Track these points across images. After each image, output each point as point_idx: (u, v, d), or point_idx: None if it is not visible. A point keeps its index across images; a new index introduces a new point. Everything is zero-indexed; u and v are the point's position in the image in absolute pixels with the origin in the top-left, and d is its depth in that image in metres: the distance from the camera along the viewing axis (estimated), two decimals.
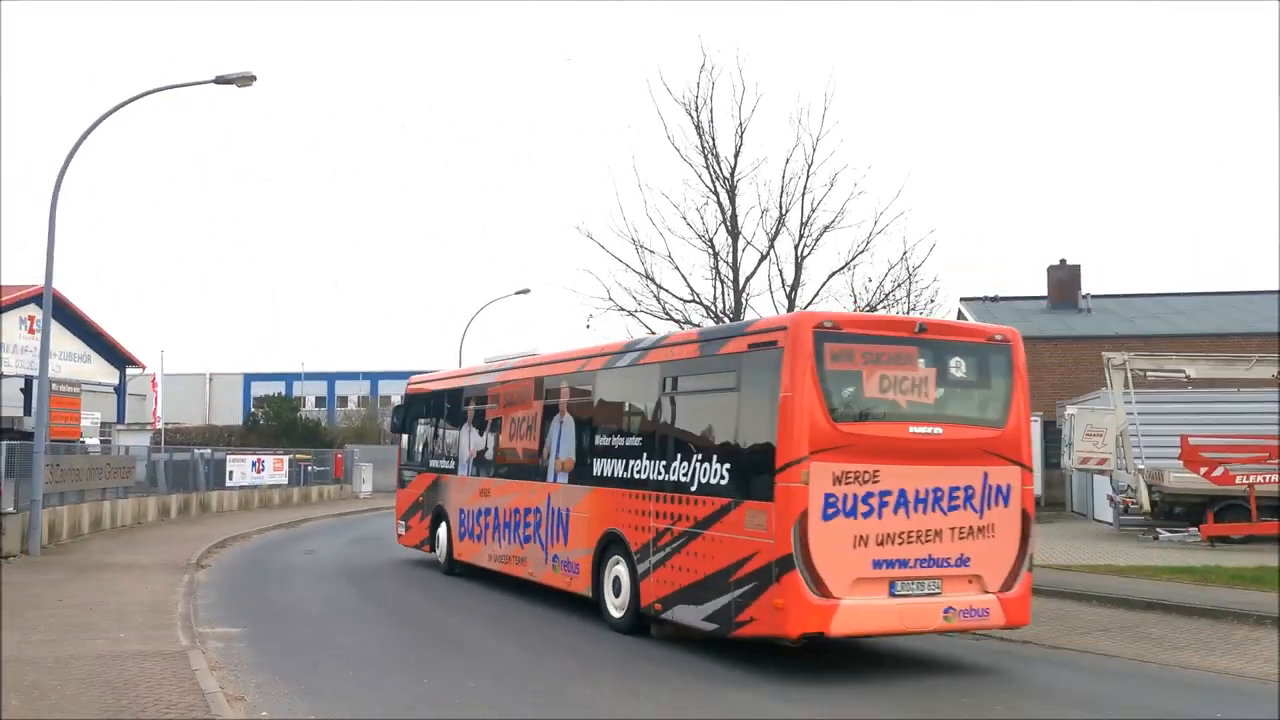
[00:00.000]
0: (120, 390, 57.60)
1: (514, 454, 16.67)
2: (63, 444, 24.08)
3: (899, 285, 22.96)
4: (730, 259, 22.40)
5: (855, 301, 24.04)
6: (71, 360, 52.46)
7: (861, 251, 22.16)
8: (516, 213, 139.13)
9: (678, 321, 22.51)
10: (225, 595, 16.23)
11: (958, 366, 11.40)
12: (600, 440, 14.12)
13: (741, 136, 22.12)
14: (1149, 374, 25.90)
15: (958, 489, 10.94)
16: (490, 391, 17.80)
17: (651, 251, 22.28)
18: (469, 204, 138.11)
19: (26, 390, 53.89)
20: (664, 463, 12.50)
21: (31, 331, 50.44)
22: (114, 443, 40.24)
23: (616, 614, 13.19)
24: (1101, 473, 25.86)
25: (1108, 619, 14.70)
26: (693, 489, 11.88)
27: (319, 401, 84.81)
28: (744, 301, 22.47)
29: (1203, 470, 23.94)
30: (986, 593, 11.08)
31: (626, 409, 13.91)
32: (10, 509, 19.93)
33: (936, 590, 10.87)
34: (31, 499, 20.08)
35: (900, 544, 10.68)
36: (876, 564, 10.59)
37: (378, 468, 43.34)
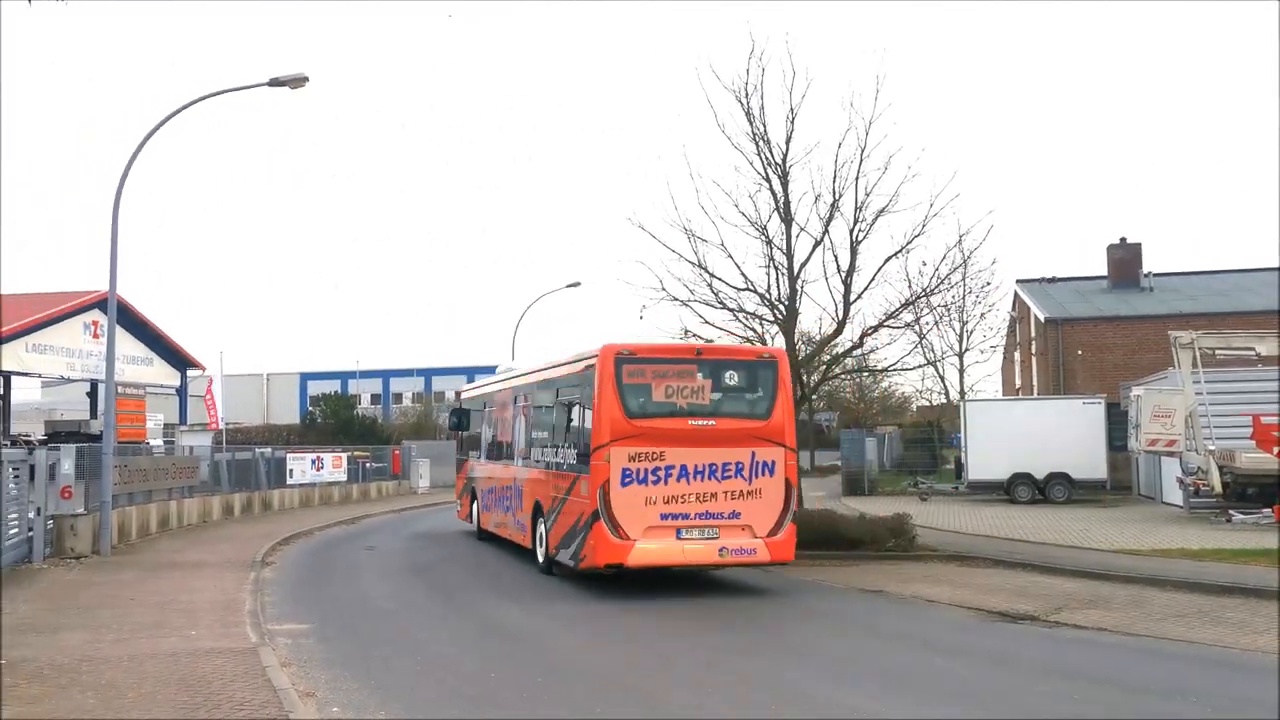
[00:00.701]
0: (182, 392, 58.58)
1: (501, 445, 22.16)
2: (129, 445, 24.49)
3: (955, 269, 22.63)
4: (784, 246, 22.20)
5: (910, 287, 23.74)
6: (134, 363, 53.46)
7: (917, 235, 21.84)
8: (569, 207, 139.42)
9: (732, 310, 22.39)
10: (291, 592, 16.39)
11: (731, 378, 16.12)
12: (533, 434, 19.17)
13: (793, 122, 21.88)
14: (1217, 352, 25.29)
15: (730, 464, 15.56)
16: (495, 398, 23.06)
17: (704, 240, 22.16)
18: (522, 200, 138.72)
19: (92, 394, 55.23)
20: (555, 449, 17.60)
21: (96, 336, 51.43)
22: (177, 443, 40.93)
23: (540, 560, 18.09)
24: (1171, 454, 25.31)
25: (1184, 604, 14.36)
26: (564, 468, 16.93)
27: (374, 399, 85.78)
28: (799, 289, 22.27)
29: (1276, 450, 23.33)
30: (756, 538, 15.64)
31: (543, 411, 18.85)
32: (81, 510, 20.29)
33: (714, 535, 15.51)
34: (101, 500, 20.43)
35: (683, 503, 15.39)
36: (664, 516, 15.30)
37: (435, 463, 43.61)
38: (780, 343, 22.44)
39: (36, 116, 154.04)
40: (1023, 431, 30.69)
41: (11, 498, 17.95)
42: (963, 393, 36.15)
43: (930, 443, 44.46)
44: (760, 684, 10.09)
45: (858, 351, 22.61)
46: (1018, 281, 45.51)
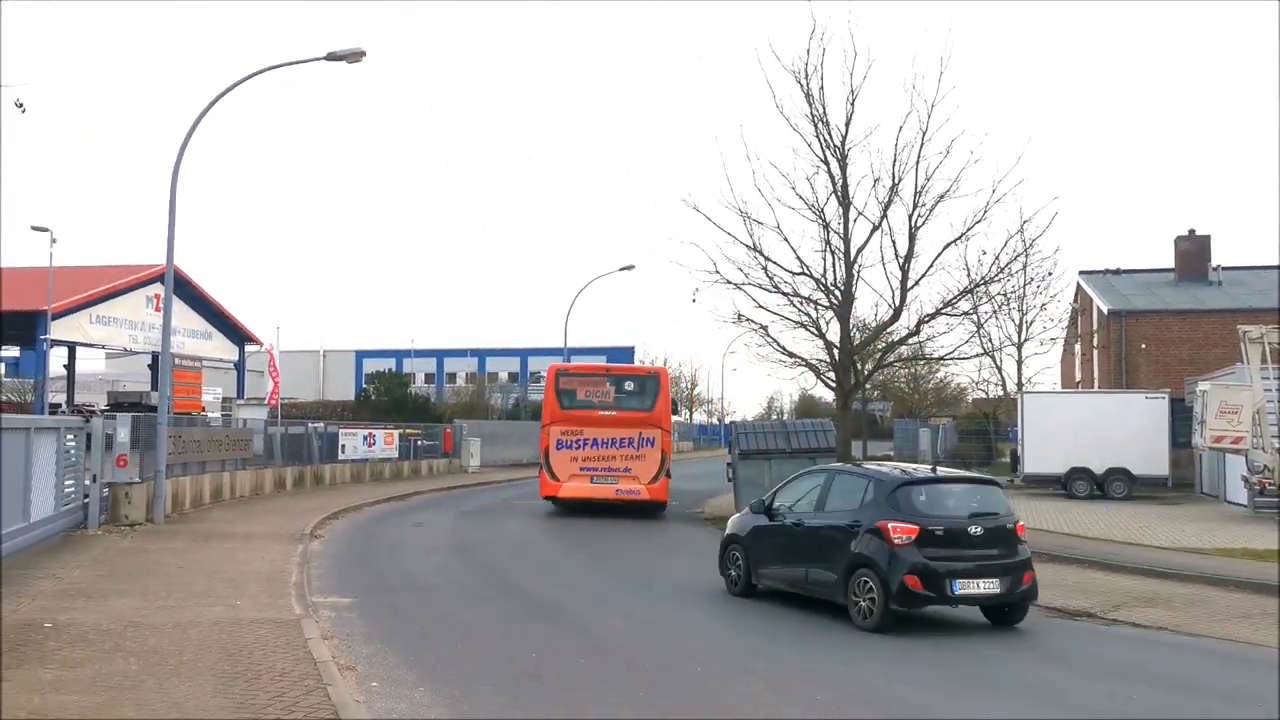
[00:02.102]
0: (240, 366, 59.37)
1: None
2: (184, 416, 24.75)
3: (1016, 258, 22.13)
4: (841, 230, 21.84)
5: (969, 275, 23.26)
6: (194, 337, 54.26)
7: (978, 221, 21.41)
8: (624, 190, 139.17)
9: (786, 294, 22.10)
10: (337, 565, 16.43)
11: (628, 385, 25.47)
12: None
13: (853, 104, 21.55)
14: None
15: (624, 438, 24.81)
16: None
17: (760, 223, 21.95)
18: (577, 183, 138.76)
19: (153, 366, 56.15)
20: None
21: (158, 309, 52.18)
22: (233, 416, 41.44)
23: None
24: (1236, 452, 24.56)
25: (1247, 605, 13.90)
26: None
27: (428, 378, 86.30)
28: (855, 274, 21.92)
29: None
30: (639, 484, 24.73)
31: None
32: (136, 479, 20.53)
33: (614, 481, 24.84)
34: (156, 469, 20.65)
35: (594, 462, 24.83)
36: (583, 469, 24.92)
37: (485, 442, 43.74)
38: (835, 329, 22.15)
39: (101, 91, 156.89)
40: (1082, 425, 29.97)
41: (69, 465, 18.18)
42: (1020, 384, 35.42)
43: (985, 434, 43.74)
44: (811, 677, 9.87)
45: (914, 339, 22.17)
46: (1080, 273, 44.50)
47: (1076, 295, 45.15)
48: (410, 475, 37.74)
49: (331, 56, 20.38)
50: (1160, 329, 35.62)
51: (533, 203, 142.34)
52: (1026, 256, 21.84)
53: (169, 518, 20.99)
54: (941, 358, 22.82)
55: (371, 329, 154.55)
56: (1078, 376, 45.09)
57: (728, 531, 14.85)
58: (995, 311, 24.03)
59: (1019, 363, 36.17)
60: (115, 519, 19.77)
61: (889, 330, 23.15)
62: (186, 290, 52.74)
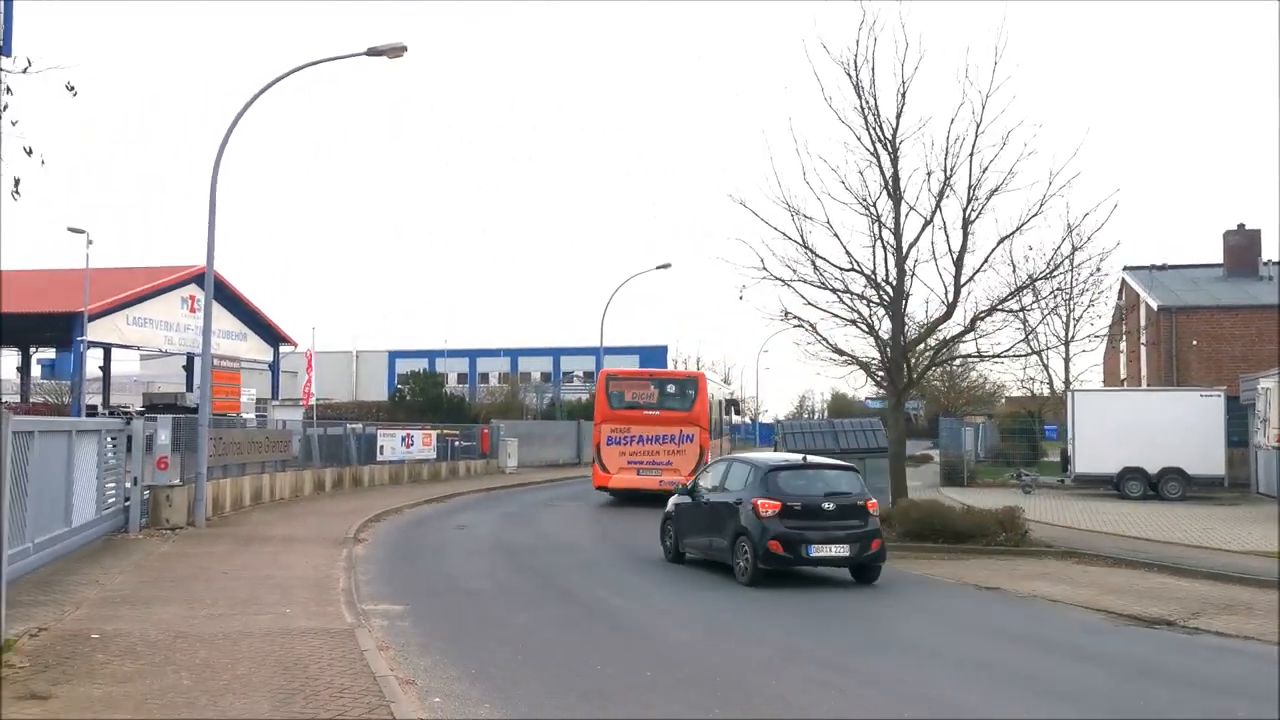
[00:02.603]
0: (274, 367, 59.42)
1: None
2: (224, 418, 24.52)
3: (1074, 251, 21.48)
4: (892, 225, 21.26)
5: (1015, 272, 22.68)
6: (229, 338, 54.28)
7: (1033, 215, 20.75)
8: (658, 188, 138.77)
9: (836, 291, 21.54)
10: (384, 570, 16.07)
11: (670, 388, 28.42)
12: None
13: (904, 96, 20.93)
14: None
15: (667, 435, 27.29)
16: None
17: (809, 218, 21.35)
18: (607, 182, 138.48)
19: (189, 367, 56.26)
20: None
21: (193, 310, 52.30)
22: (269, 418, 41.29)
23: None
24: None
25: None
26: None
27: (460, 378, 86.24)
28: (907, 270, 21.33)
29: None
30: (680, 475, 24.22)
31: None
32: (177, 481, 20.29)
33: (658, 473, 26.89)
34: (196, 472, 20.40)
35: (640, 456, 27.41)
36: (630, 462, 27.61)
37: (522, 443, 43.39)
38: (887, 326, 21.57)
39: (141, 90, 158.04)
40: (1135, 424, 29.23)
41: (109, 468, 17.93)
42: (1067, 382, 34.68)
43: (1030, 433, 42.98)
44: (886, 687, 9.38)
45: (969, 336, 21.57)
46: (1125, 269, 43.60)
47: (1121, 291, 44.28)
48: (449, 476, 37.45)
49: (372, 51, 20.07)
50: (1212, 325, 34.76)
51: (566, 203, 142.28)
52: (1077, 252, 21.11)
53: (210, 521, 20.74)
54: (997, 356, 22.13)
55: (404, 329, 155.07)
56: (1122, 375, 44.22)
57: (665, 510, 17.93)
58: (1054, 307, 23.33)
59: (1066, 361, 35.41)
60: (156, 522, 19.53)
61: (941, 327, 22.51)
62: (222, 291, 52.83)
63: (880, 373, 22.11)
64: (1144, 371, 39.39)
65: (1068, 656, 10.85)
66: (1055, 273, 21.08)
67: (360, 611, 12.25)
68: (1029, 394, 44.84)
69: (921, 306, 22.33)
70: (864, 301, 21.38)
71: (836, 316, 21.95)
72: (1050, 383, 38.31)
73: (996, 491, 31.22)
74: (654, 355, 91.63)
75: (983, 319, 21.05)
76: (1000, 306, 20.98)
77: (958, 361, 35.72)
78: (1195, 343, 34.59)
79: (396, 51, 19.96)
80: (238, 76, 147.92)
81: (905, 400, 22.72)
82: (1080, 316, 33.96)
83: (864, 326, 21.89)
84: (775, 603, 13.91)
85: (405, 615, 12.28)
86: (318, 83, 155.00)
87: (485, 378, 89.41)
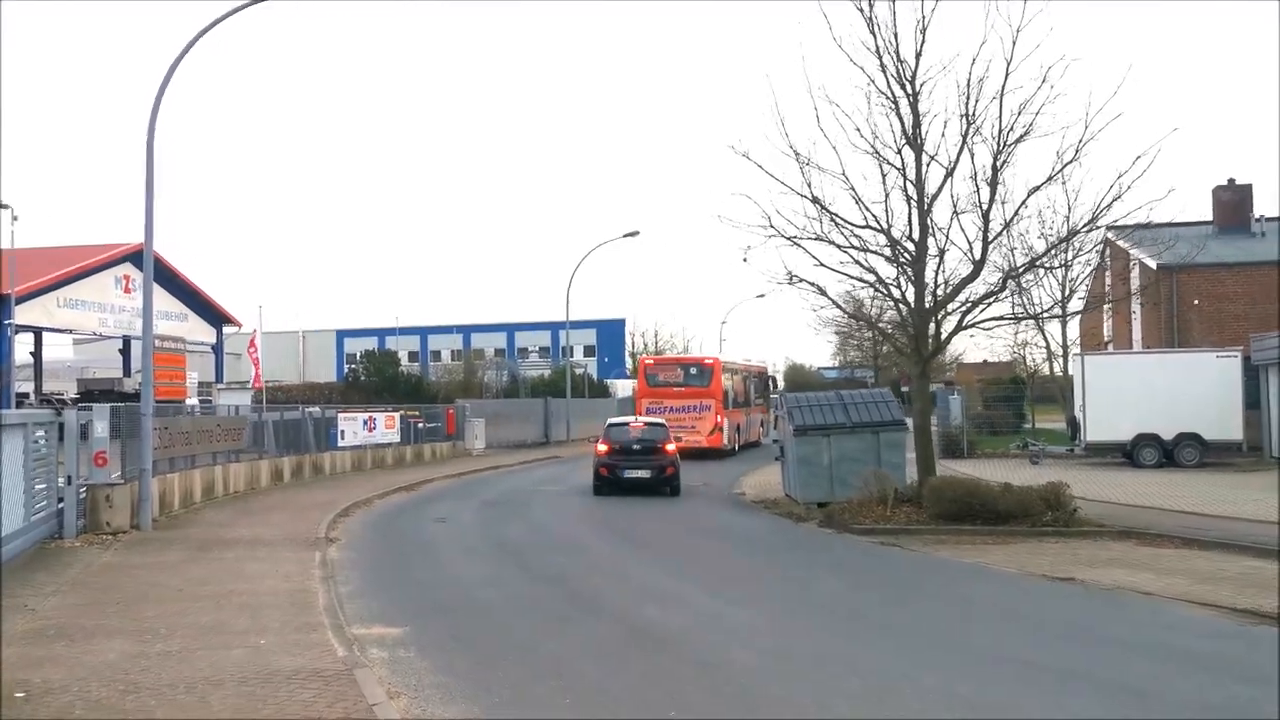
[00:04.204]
0: (218, 349, 56.36)
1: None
2: (169, 405, 22.01)
3: (1115, 201, 19.61)
4: (914, 176, 19.29)
5: (1045, 234, 20.91)
6: (169, 319, 51.07)
7: (1070, 162, 18.88)
8: (623, 155, 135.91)
9: (855, 249, 19.56)
10: (369, 579, 13.82)
11: (692, 370, 37.68)
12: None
13: (924, 33, 18.90)
14: None
15: (689, 405, 36.27)
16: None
17: (821, 169, 19.30)
18: (569, 150, 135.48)
19: (125, 351, 53.02)
20: None
21: (128, 290, 49.07)
22: (215, 403, 38.56)
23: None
24: None
25: None
26: None
27: (411, 356, 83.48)
28: (929, 224, 19.38)
29: None
30: (700, 435, 35.75)
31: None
32: (118, 478, 17.82)
33: (683, 434, 32.97)
34: (140, 467, 17.94)
35: (672, 423, 28.80)
36: None
37: (489, 423, 41.08)
38: (911, 294, 19.64)
39: (67, 59, 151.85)
40: (1149, 388, 27.64)
41: (39, 460, 15.49)
42: (1065, 348, 33.18)
43: (1017, 400, 41.50)
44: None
45: (1004, 295, 19.64)
46: (1108, 227, 42.08)
47: (1105, 250, 42.75)
48: (414, 461, 35.04)
49: None
50: (1213, 283, 33.27)
51: (520, 174, 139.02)
52: (1117, 203, 19.26)
53: (157, 522, 18.34)
54: (1033, 316, 20.29)
55: (351, 307, 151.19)
56: (1106, 338, 42.80)
57: (597, 455, 25.11)
58: (1098, 265, 21.56)
59: (1063, 324, 33.76)
60: (95, 526, 17.09)
61: (969, 287, 20.64)
62: (159, 269, 49.22)
63: (901, 339, 20.17)
64: (1136, 334, 37.98)
65: (1226, 675, 8.97)
66: (1097, 225, 19.28)
67: (351, 638, 10.07)
68: (1019, 360, 43.37)
69: (940, 264, 20.23)
70: (883, 259, 19.40)
71: (849, 278, 20.03)
72: (1047, 348, 36.75)
73: (1000, 463, 29.56)
74: (611, 328, 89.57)
75: (1018, 276, 19.15)
76: (1041, 262, 19.08)
77: (1009, 323, 33.21)
78: (1197, 302, 33.14)
79: None
80: (167, 41, 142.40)
81: (930, 368, 20.81)
82: (1078, 276, 32.24)
83: (880, 289, 19.95)
84: (885, 626, 11.94)
85: (407, 642, 10.09)
86: (257, 47, 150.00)
87: (437, 355, 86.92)
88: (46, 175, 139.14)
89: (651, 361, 41.04)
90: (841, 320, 18.46)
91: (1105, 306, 32.03)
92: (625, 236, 46.24)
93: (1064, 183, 18.86)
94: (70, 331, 51.43)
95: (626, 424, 25.58)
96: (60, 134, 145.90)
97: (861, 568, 15.06)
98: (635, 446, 24.35)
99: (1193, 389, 27.31)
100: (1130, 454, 28.34)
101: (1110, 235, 41.00)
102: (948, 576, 14.04)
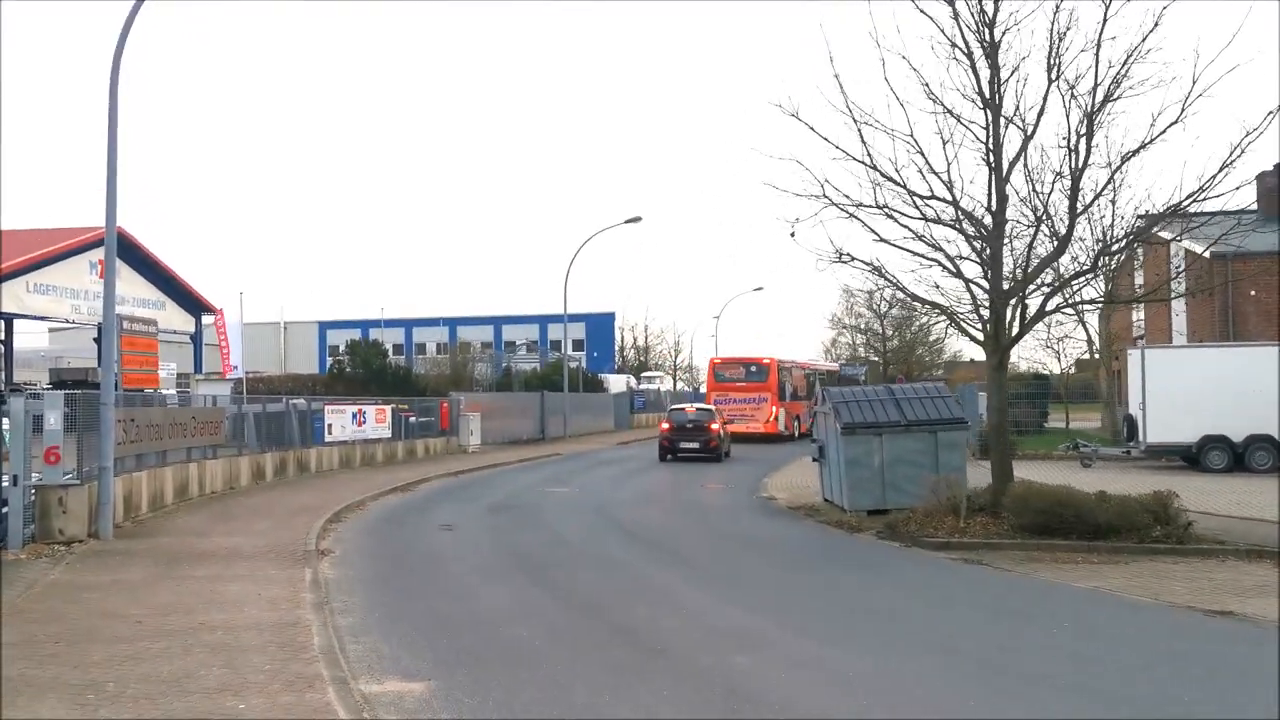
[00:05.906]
0: (197, 339, 53.76)
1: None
2: (138, 394, 19.43)
3: (1212, 178, 17.40)
4: (992, 140, 16.92)
5: (1141, 209, 18.63)
6: (146, 307, 48.37)
7: (1173, 124, 16.57)
8: (613, 147, 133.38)
9: (920, 220, 17.21)
10: (373, 607, 11.30)
11: (752, 369, 44.70)
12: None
13: None
14: None
15: (748, 398, 43.54)
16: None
17: (891, 131, 16.88)
18: (556, 140, 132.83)
19: (100, 340, 50.41)
20: None
21: (103, 276, 46.45)
22: (192, 393, 35.95)
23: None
24: None
25: None
26: None
27: (396, 349, 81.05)
28: (1007, 193, 17.03)
29: None
30: (758, 423, 42.78)
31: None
32: (73, 478, 15.25)
33: (745, 422, 41.93)
34: (101, 464, 15.41)
35: (733, 412, 40.96)
36: (728, 416, 38.02)
37: (485, 418, 38.58)
38: (983, 273, 17.27)
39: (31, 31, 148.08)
40: (1217, 386, 25.24)
41: None
42: (1108, 340, 30.84)
43: (1041, 398, 39.30)
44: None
45: (1086, 276, 17.30)
46: (1139, 216, 39.81)
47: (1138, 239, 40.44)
48: (406, 458, 32.50)
49: None
50: (1272, 273, 31.03)
51: (501, 166, 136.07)
52: (1226, 170, 16.99)
53: (120, 528, 15.87)
54: (1134, 300, 18.02)
55: (335, 298, 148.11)
56: (1138, 332, 40.59)
57: (661, 432, 33.82)
58: (1217, 238, 19.32)
59: (1107, 317, 31.43)
60: (46, 534, 14.66)
61: (1053, 265, 18.27)
62: (135, 255, 47.10)
63: (975, 325, 17.78)
64: (1181, 327, 35.71)
65: None
66: (1206, 195, 17.00)
67: (361, 699, 7.61)
68: (1056, 356, 41.12)
69: (1030, 241, 17.83)
70: (958, 232, 17.02)
71: (915, 255, 17.64)
72: (1090, 342, 34.42)
73: (1047, 465, 27.24)
74: (601, 321, 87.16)
75: (1116, 253, 16.79)
76: (1144, 238, 16.73)
77: (1103, 306, 30.17)
78: (1254, 293, 30.88)
79: None
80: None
81: (1008, 358, 18.45)
82: (1119, 264, 29.88)
83: (950, 268, 17.57)
84: (1027, 676, 9.52)
85: (433, 702, 7.63)
86: (242, 32, 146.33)
87: (423, 348, 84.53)
88: (20, 156, 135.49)
89: (719, 361, 47.12)
90: (896, 303, 16.49)
91: (1171, 297, 29.49)
92: (628, 222, 44.12)
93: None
94: (42, 318, 48.75)
95: (683, 408, 34.97)
96: (34, 113, 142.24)
97: (954, 594, 12.65)
98: (689, 425, 32.84)
99: (1264, 387, 24.96)
100: (1195, 457, 26.00)
101: (1140, 223, 38.75)
102: (1071, 607, 11.62)
